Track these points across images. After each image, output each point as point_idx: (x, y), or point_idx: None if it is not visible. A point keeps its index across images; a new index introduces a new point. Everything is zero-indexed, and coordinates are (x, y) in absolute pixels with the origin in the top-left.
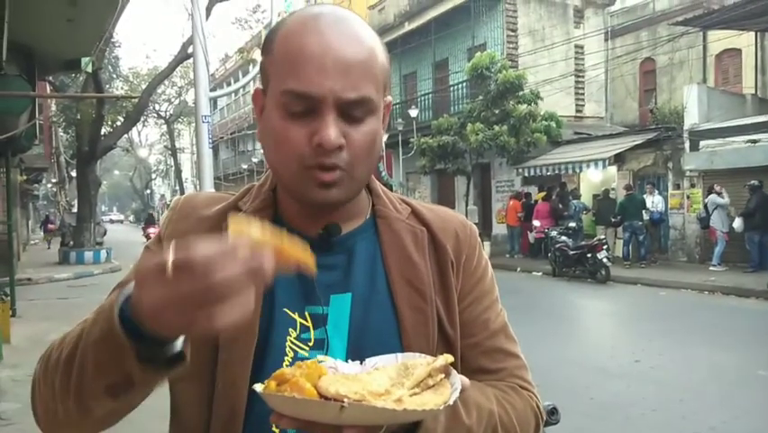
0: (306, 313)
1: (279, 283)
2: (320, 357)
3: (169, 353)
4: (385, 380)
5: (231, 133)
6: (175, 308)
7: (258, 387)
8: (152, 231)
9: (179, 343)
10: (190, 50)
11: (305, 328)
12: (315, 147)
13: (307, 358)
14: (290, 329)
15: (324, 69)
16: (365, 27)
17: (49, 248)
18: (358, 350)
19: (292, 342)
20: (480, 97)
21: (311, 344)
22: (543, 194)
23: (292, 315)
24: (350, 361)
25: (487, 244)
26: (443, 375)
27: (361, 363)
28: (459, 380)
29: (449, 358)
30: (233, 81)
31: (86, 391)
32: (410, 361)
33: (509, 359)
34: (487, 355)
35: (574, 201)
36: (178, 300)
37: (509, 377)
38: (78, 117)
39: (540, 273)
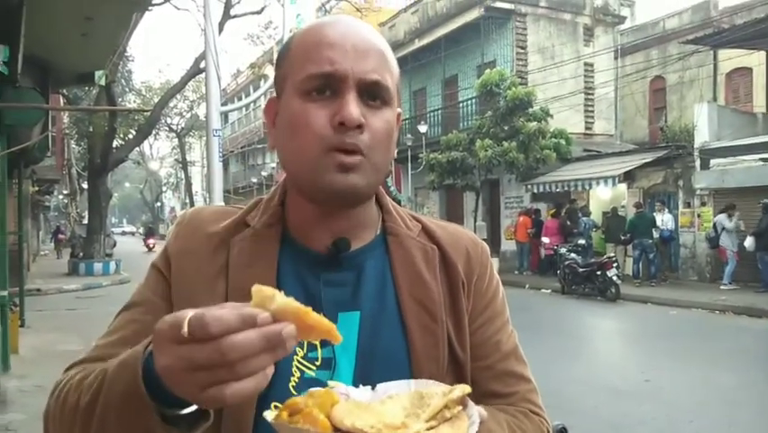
0: None
1: None
2: (331, 383)
3: (192, 412)
4: (399, 410)
5: (241, 148)
6: (187, 373)
7: (268, 415)
8: (152, 241)
9: None
10: (202, 65)
11: (312, 347)
12: (337, 126)
13: (314, 378)
14: (297, 348)
15: (345, 51)
16: (379, 34)
17: (59, 258)
18: (366, 370)
19: (299, 361)
20: (489, 114)
21: (318, 363)
22: (552, 211)
23: None
24: (360, 386)
25: (495, 260)
26: (460, 407)
27: (373, 389)
28: (476, 412)
29: (466, 389)
30: (244, 96)
31: None
32: (425, 390)
33: (521, 383)
34: (498, 379)
35: (584, 218)
36: (191, 366)
37: (520, 401)
38: (91, 130)
39: (549, 291)
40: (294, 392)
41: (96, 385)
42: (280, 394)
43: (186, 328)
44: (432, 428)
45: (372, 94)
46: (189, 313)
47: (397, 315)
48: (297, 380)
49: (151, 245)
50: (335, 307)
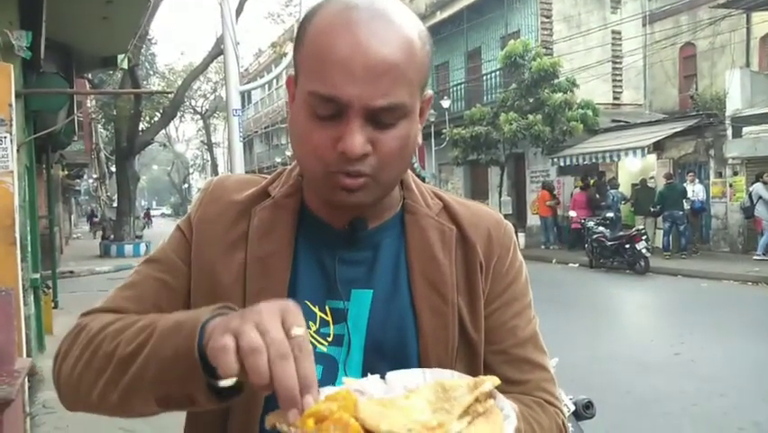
0: (327, 307)
1: (302, 275)
2: (344, 379)
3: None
4: (424, 405)
5: (265, 128)
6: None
7: (286, 428)
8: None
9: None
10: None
11: (324, 323)
12: (339, 154)
13: (326, 353)
14: (310, 322)
15: (351, 75)
16: (405, 19)
17: (95, 238)
18: (375, 349)
19: (312, 336)
20: (514, 86)
21: (330, 339)
22: (580, 183)
23: (313, 308)
24: (369, 375)
25: (521, 235)
26: (492, 401)
27: (382, 378)
28: (509, 405)
29: (496, 381)
30: (266, 75)
31: (137, 394)
32: (447, 382)
33: (536, 371)
34: (512, 365)
35: (612, 191)
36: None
37: (535, 390)
38: (115, 113)
39: (577, 265)
40: None
41: (141, 339)
42: None
43: (300, 330)
44: (469, 423)
45: (381, 116)
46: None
47: (409, 295)
48: None
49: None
50: (349, 284)
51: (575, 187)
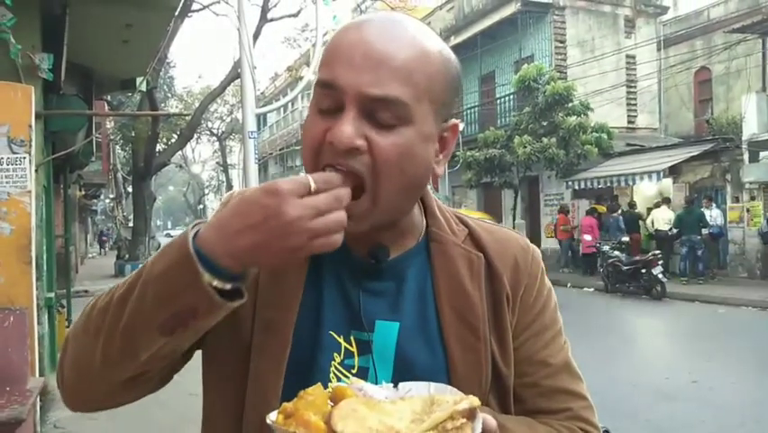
0: (352, 338)
1: (327, 305)
2: (352, 379)
3: (232, 288)
4: (408, 413)
5: (279, 150)
6: (309, 221)
7: (272, 417)
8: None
9: (244, 278)
10: None
11: (349, 354)
12: (328, 144)
13: None
14: (335, 353)
15: (351, 62)
16: (421, 32)
17: (102, 255)
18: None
19: (336, 367)
20: (528, 110)
21: (354, 371)
22: (603, 207)
23: (338, 338)
24: (384, 383)
25: None
26: (464, 420)
27: (395, 387)
28: (480, 426)
29: (475, 402)
30: (282, 98)
31: (140, 326)
32: (438, 396)
33: (573, 399)
34: (546, 396)
35: (613, 215)
36: (317, 212)
37: (572, 419)
38: (133, 135)
39: (592, 289)
40: None
41: (131, 279)
42: None
43: (313, 184)
44: None
45: (379, 111)
46: (302, 176)
47: (438, 329)
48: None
49: None
50: (373, 315)
51: (586, 212)
